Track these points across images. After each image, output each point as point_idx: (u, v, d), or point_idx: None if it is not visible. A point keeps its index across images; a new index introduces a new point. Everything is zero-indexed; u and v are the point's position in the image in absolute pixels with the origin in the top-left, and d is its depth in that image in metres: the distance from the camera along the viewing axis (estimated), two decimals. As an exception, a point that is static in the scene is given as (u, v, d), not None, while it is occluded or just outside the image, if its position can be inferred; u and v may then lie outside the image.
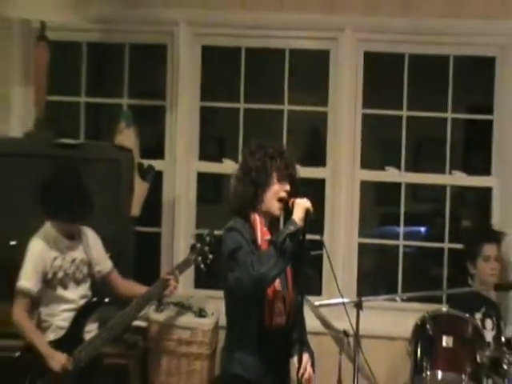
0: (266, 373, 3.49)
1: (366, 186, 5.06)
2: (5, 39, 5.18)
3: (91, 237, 4.18)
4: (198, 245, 4.29)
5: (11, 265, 4.16)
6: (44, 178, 4.10)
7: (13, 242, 4.51)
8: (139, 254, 4.76)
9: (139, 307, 4.16)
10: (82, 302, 4.08)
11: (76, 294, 4.07)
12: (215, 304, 4.53)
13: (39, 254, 4.01)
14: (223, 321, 4.03)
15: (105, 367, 4.17)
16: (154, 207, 5.04)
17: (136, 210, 4.67)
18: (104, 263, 4.22)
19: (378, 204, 5.56)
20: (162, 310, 4.54)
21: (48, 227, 4.09)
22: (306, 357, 3.48)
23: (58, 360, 3.94)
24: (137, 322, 4.48)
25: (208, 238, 4.28)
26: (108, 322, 4.11)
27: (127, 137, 4.70)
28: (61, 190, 4.07)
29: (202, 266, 4.30)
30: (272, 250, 3.35)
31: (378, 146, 5.31)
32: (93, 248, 4.17)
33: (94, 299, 4.14)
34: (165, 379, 4.55)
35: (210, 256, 4.26)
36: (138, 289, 4.24)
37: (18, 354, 4.02)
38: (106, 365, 4.19)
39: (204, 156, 5.20)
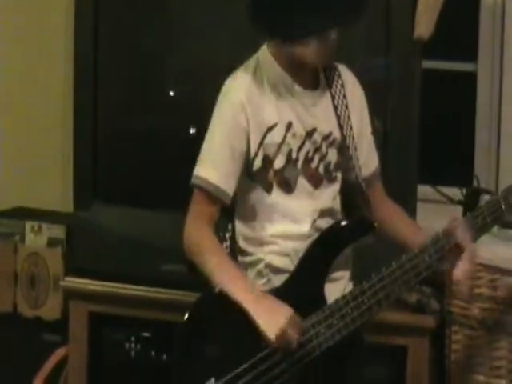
0: None
1: None
2: None
3: (351, 83, 2.01)
4: None
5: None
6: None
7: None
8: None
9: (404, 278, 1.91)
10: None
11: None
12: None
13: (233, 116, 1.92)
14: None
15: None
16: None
17: (424, 30, 2.49)
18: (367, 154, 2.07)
19: None
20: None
21: (264, 56, 1.96)
22: None
23: None
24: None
25: None
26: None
27: None
28: None
29: None
30: None
31: None
32: (352, 109, 1.99)
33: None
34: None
35: None
36: (416, 237, 1.97)
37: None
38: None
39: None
